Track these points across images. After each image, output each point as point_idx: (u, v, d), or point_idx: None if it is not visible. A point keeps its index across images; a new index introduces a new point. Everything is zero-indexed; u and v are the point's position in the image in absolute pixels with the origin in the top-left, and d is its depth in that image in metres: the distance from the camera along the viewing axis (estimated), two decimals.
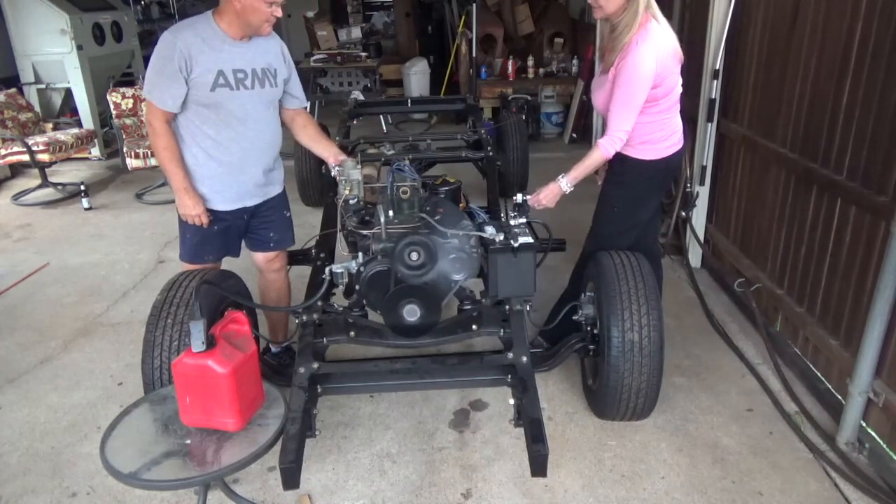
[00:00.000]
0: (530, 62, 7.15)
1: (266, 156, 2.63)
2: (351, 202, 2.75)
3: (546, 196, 2.64)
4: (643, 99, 2.40)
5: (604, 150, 2.47)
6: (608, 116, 2.47)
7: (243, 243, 2.83)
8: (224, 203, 2.60)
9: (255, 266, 2.91)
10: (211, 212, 2.57)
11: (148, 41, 7.83)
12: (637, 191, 2.65)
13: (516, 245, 2.30)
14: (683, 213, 3.95)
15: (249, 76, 2.45)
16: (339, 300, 2.64)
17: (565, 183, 2.58)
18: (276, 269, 2.91)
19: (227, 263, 2.77)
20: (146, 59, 3.27)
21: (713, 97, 3.58)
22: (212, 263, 2.70)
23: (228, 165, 2.53)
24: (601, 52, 2.60)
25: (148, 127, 2.46)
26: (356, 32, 8.28)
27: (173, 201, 2.62)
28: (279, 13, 2.37)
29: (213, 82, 2.36)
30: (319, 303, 2.42)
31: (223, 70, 2.37)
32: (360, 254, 2.44)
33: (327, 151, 2.81)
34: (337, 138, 4.34)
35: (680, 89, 2.54)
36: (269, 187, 2.72)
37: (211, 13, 2.41)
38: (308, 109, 7.47)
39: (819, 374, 2.76)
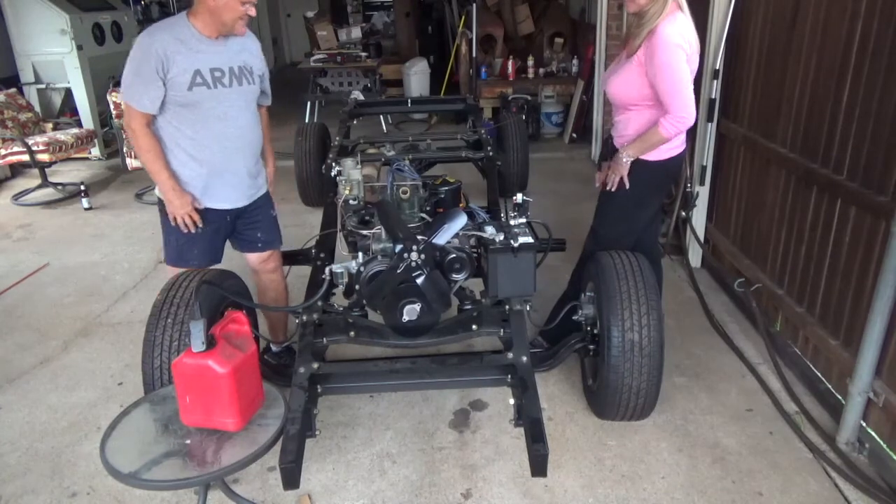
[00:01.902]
0: (530, 62, 7.15)
1: (248, 155, 2.63)
2: (351, 202, 2.75)
3: (615, 170, 2.63)
4: (688, 70, 2.36)
5: (663, 129, 2.41)
6: (666, 102, 2.40)
7: (232, 245, 2.83)
8: (211, 202, 2.59)
9: (250, 267, 2.91)
10: (198, 210, 2.56)
11: None
12: (637, 192, 2.65)
13: (516, 245, 2.30)
14: (683, 213, 3.95)
15: (227, 74, 2.46)
16: (339, 300, 2.64)
17: (625, 157, 2.57)
18: (271, 269, 2.92)
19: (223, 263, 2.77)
20: None
21: (713, 97, 3.59)
22: (196, 267, 2.64)
23: (211, 165, 2.53)
24: (624, 41, 2.59)
25: (128, 130, 2.46)
26: (356, 32, 8.28)
27: None
28: (252, 12, 2.40)
29: (191, 82, 2.38)
30: (319, 303, 2.42)
31: (200, 69, 2.39)
32: (360, 254, 2.44)
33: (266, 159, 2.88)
34: (337, 138, 4.34)
35: None
36: (254, 189, 2.72)
37: (185, 14, 2.43)
38: (309, 109, 7.49)
39: (819, 374, 2.76)
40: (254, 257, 2.86)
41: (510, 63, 7.18)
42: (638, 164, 2.57)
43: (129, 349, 3.23)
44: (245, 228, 2.76)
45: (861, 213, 2.44)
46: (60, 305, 3.76)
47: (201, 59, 2.40)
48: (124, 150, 5.41)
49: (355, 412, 2.73)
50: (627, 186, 2.63)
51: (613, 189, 2.67)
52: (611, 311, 2.35)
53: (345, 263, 2.44)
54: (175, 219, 2.55)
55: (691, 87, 2.39)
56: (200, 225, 2.57)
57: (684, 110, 2.38)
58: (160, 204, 2.64)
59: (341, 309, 2.49)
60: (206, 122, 2.46)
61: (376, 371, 2.33)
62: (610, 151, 2.73)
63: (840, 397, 2.56)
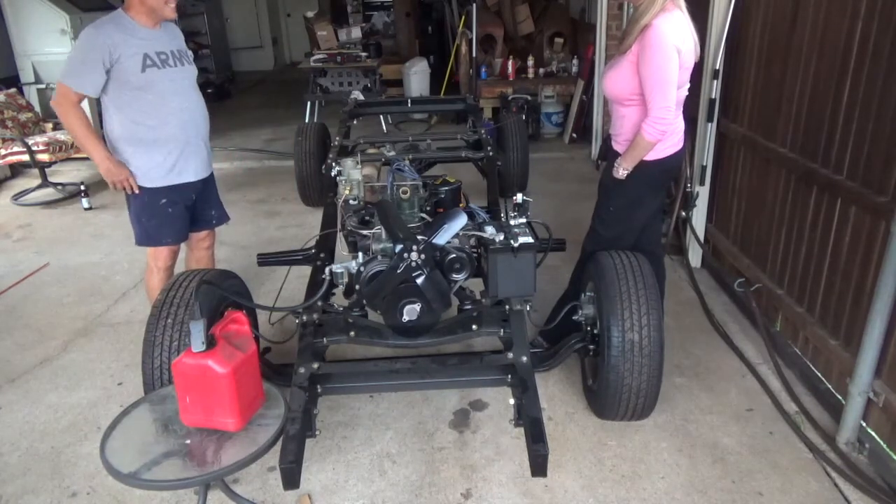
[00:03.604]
0: (530, 62, 7.15)
1: (203, 127, 2.93)
2: (351, 202, 2.76)
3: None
4: (676, 71, 2.35)
5: (646, 133, 2.41)
6: (647, 101, 2.40)
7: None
8: (181, 177, 2.83)
9: (189, 246, 3.14)
10: (170, 189, 2.81)
11: None
12: (634, 191, 2.65)
13: (516, 245, 2.30)
14: (683, 213, 3.95)
15: (170, 56, 2.75)
16: (339, 300, 2.64)
17: (621, 170, 2.58)
18: (208, 245, 3.21)
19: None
20: None
21: (713, 97, 3.59)
22: (171, 245, 2.92)
23: (175, 140, 2.78)
24: (621, 38, 2.59)
25: (58, 109, 2.67)
26: (356, 32, 8.27)
27: None
28: None
29: (142, 64, 2.64)
30: (319, 303, 2.42)
31: (147, 53, 2.66)
32: (360, 254, 2.44)
33: None
34: (337, 138, 4.34)
35: (686, 92, 2.53)
36: (210, 161, 3.01)
37: (121, 9, 2.69)
38: (309, 109, 7.49)
39: (819, 374, 2.76)
40: (200, 235, 3.13)
41: (510, 63, 7.18)
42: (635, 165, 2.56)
43: (129, 349, 3.23)
44: (203, 208, 3.06)
45: (861, 213, 2.44)
46: (60, 305, 3.76)
47: (146, 45, 2.67)
48: None
49: (355, 412, 2.73)
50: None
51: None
52: (611, 311, 2.35)
53: (345, 263, 2.44)
54: (115, 185, 2.75)
55: (674, 89, 2.38)
56: (136, 190, 2.78)
57: (662, 111, 2.36)
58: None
59: (341, 309, 2.49)
60: (164, 99, 2.72)
61: (376, 371, 2.34)
62: (608, 150, 2.74)
63: (840, 397, 2.56)
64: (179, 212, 2.89)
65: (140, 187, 2.79)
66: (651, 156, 2.54)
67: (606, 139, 2.80)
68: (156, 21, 2.73)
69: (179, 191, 2.85)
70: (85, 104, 2.73)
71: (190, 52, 2.93)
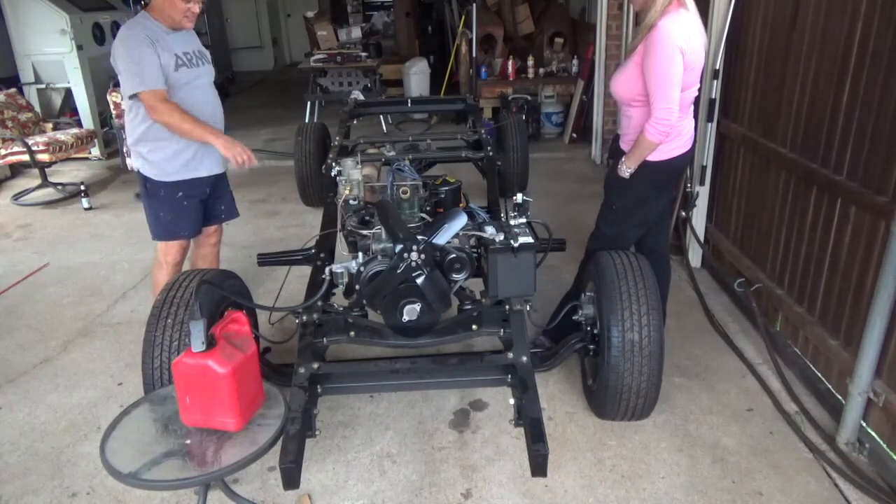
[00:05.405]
0: (530, 62, 7.15)
1: (220, 124, 2.97)
2: (351, 202, 2.76)
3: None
4: (680, 72, 2.35)
5: (648, 134, 2.42)
6: (650, 101, 2.40)
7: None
8: (198, 171, 2.89)
9: (195, 241, 3.15)
10: (185, 183, 2.86)
11: None
12: (638, 191, 2.65)
13: (516, 245, 2.30)
14: (683, 213, 3.95)
15: (194, 56, 2.84)
16: (339, 300, 2.64)
17: (624, 169, 2.59)
18: (215, 242, 3.24)
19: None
20: None
21: (713, 97, 3.59)
22: (186, 239, 2.99)
23: None
24: (631, 39, 2.60)
25: (155, 114, 2.68)
26: (356, 32, 8.27)
27: None
28: (196, 9, 2.74)
29: (175, 63, 2.72)
30: (319, 303, 2.42)
31: (177, 53, 2.74)
32: (360, 254, 2.44)
33: None
34: (337, 138, 4.35)
35: (695, 92, 2.53)
36: (223, 161, 3.01)
37: (144, 12, 2.76)
38: (309, 109, 7.49)
39: (819, 374, 2.76)
40: (209, 230, 3.16)
41: (510, 63, 7.18)
42: (640, 164, 2.56)
43: (129, 349, 3.23)
44: (214, 202, 3.08)
45: (861, 213, 2.44)
46: (60, 305, 3.75)
47: (175, 45, 2.75)
48: (124, 150, 5.41)
49: (355, 412, 2.73)
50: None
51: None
52: (611, 311, 2.35)
53: (345, 263, 2.44)
54: (235, 158, 2.74)
55: (677, 90, 2.37)
56: (255, 161, 2.84)
57: (664, 112, 2.36)
58: (143, 181, 2.88)
59: (341, 309, 2.49)
60: (189, 96, 2.78)
61: (376, 371, 2.34)
62: (615, 149, 2.74)
63: (840, 397, 2.56)
64: (195, 205, 2.94)
65: (156, 182, 2.84)
66: (657, 156, 2.54)
67: (615, 138, 2.80)
68: (175, 26, 2.78)
69: (194, 185, 2.90)
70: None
71: (207, 53, 2.98)
